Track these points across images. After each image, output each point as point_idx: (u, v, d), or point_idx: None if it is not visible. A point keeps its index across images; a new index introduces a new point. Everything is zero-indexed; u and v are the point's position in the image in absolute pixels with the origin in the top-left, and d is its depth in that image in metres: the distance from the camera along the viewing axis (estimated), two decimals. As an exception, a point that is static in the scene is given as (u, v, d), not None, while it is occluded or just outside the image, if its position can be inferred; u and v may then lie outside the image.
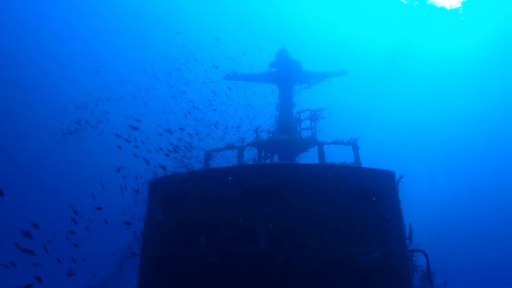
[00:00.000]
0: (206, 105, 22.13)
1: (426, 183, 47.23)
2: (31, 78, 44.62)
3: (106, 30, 47.40)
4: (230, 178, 8.28)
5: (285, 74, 14.19)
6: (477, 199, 46.77)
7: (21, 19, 44.58)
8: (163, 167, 9.89)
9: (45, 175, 41.83)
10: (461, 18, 39.99)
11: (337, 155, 10.75)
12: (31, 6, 44.80)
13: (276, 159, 12.59)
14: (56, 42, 46.44)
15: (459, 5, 38.77)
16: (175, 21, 42.16)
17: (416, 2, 40.46)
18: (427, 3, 40.12)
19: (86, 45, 47.47)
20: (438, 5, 39.35)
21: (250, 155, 12.22)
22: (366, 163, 10.55)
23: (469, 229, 43.29)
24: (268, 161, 12.32)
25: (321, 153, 10.75)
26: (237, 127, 14.53)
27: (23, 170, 40.89)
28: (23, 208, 34.79)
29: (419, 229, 9.43)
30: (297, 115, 12.92)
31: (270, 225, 7.86)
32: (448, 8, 39.47)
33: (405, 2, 40.67)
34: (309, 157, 12.48)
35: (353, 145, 11.15)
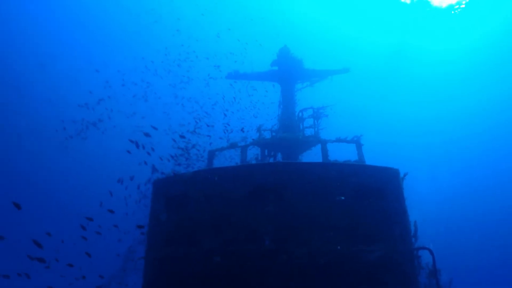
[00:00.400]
0: (207, 104, 22.15)
1: (427, 182, 47.18)
2: (30, 78, 44.59)
3: (104, 30, 47.32)
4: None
5: (287, 72, 14.14)
6: (478, 197, 46.70)
7: (20, 19, 44.52)
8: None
9: (49, 178, 41.77)
10: (453, 12, 39.57)
11: (341, 153, 10.69)
12: (31, 6, 44.75)
13: (279, 157, 12.56)
14: (56, 41, 46.39)
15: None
16: (175, 19, 42.09)
17: (415, 0, 40.25)
18: (426, 1, 39.90)
19: (86, 45, 47.42)
20: (435, 4, 39.12)
21: (253, 154, 12.21)
22: (368, 162, 10.49)
23: (470, 228, 43.24)
24: (271, 159, 12.29)
25: (324, 151, 10.66)
26: (242, 129, 14.49)
27: (24, 174, 40.86)
28: (27, 212, 34.75)
29: (420, 228, 9.39)
30: (300, 113, 12.87)
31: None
32: (445, 6, 39.23)
33: (408, 2, 40.48)
34: (312, 155, 12.44)
35: (357, 143, 11.09)
